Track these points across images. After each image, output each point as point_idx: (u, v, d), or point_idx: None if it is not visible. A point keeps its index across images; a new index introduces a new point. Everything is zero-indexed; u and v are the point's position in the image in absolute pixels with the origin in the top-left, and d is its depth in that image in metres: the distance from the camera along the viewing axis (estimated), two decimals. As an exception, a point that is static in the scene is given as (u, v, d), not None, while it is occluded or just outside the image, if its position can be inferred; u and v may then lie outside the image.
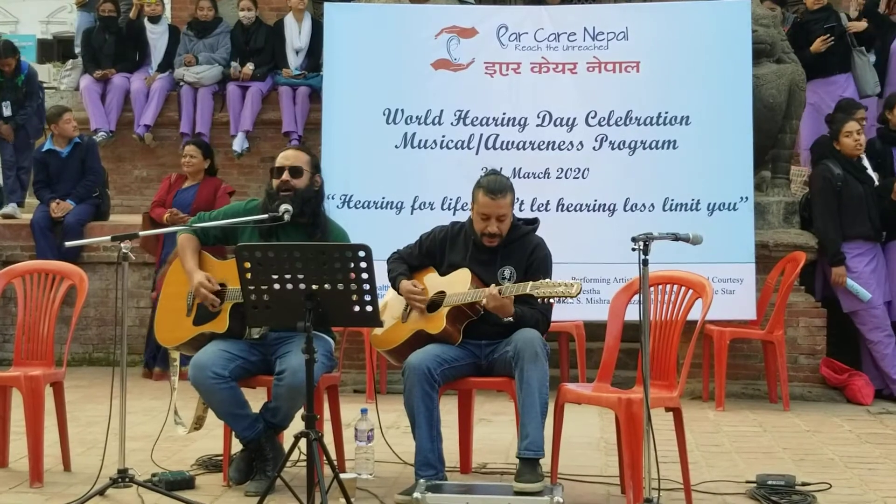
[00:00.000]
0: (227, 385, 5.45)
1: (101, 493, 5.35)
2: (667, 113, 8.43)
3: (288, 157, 5.87)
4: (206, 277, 5.64)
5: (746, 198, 8.28)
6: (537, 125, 8.52)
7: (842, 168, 8.43)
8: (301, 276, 4.92)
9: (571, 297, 5.37)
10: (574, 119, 8.50)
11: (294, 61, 11.82)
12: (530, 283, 5.39)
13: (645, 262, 5.03)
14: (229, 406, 5.50)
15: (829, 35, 10.16)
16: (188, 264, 5.72)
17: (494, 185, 5.66)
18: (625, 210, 8.36)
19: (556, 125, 8.51)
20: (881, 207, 8.43)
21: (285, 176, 5.74)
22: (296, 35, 11.85)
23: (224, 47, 12.04)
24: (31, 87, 10.89)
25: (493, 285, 5.49)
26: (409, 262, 5.92)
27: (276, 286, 4.96)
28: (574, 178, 8.44)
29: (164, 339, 5.87)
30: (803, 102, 9.08)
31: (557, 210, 8.38)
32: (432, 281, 5.80)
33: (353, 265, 4.91)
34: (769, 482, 5.64)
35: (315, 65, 11.49)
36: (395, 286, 5.85)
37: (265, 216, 5.60)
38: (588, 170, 8.45)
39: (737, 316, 8.18)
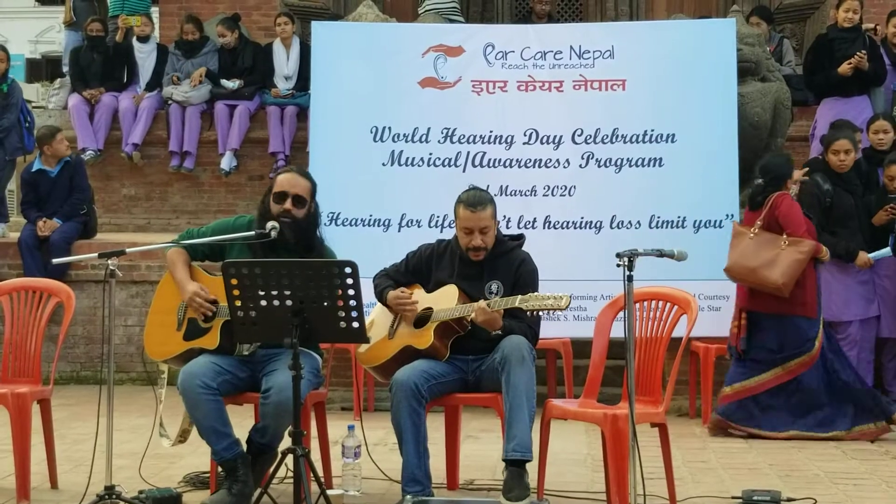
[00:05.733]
0: (214, 397, 5.42)
1: (88, 509, 5.36)
2: (653, 131, 8.47)
3: (293, 184, 5.66)
4: (200, 287, 5.62)
5: (732, 215, 8.31)
6: (524, 143, 8.56)
7: (831, 183, 8.47)
8: (288, 293, 4.95)
9: (560, 310, 5.40)
10: (560, 137, 8.54)
11: (283, 85, 11.86)
12: (519, 296, 5.42)
13: (629, 279, 5.04)
14: (213, 421, 5.43)
15: (860, 57, 10.07)
16: (179, 275, 5.69)
17: (473, 199, 5.71)
18: (611, 227, 8.40)
19: (542, 143, 8.54)
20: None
21: (288, 204, 5.63)
22: (284, 62, 11.90)
23: (212, 66, 12.07)
24: (12, 98, 10.80)
25: (482, 300, 5.51)
26: (395, 280, 5.94)
27: (263, 302, 4.98)
28: (560, 195, 8.48)
29: (154, 353, 5.84)
30: (788, 120, 9.14)
31: (544, 227, 8.42)
32: (419, 298, 5.82)
33: (339, 281, 4.93)
34: (755, 498, 5.66)
35: (304, 85, 11.52)
36: (383, 299, 5.86)
37: (252, 233, 5.59)
38: (574, 187, 8.49)
39: (723, 332, 8.16)
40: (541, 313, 5.48)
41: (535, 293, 5.46)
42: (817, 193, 8.44)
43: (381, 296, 5.88)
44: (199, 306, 5.59)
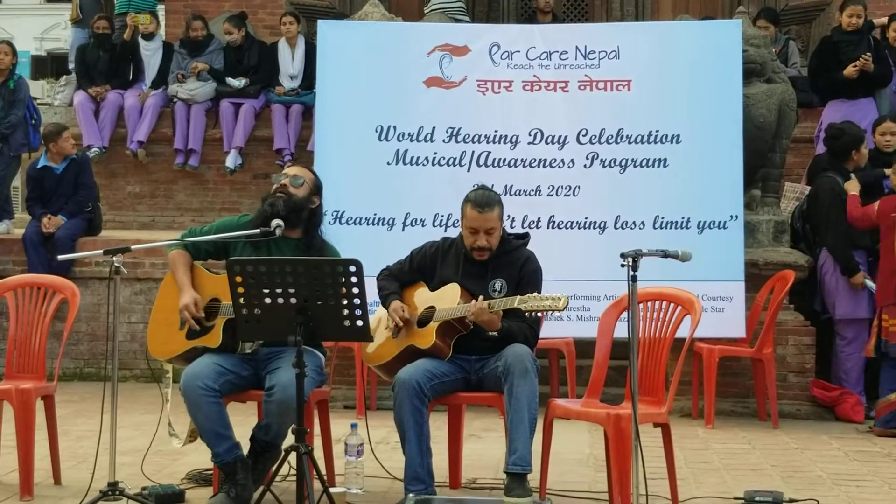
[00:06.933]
0: (215, 400, 5.43)
1: (91, 505, 5.37)
2: (657, 131, 8.46)
3: (293, 168, 6.04)
4: (194, 301, 5.60)
5: (736, 216, 8.31)
6: (529, 143, 8.55)
7: (845, 181, 8.48)
8: (292, 291, 4.95)
9: (558, 311, 5.40)
10: (565, 137, 8.53)
11: (288, 84, 11.88)
12: (518, 297, 5.43)
13: (634, 279, 5.06)
14: (214, 423, 5.43)
15: (865, 59, 10.17)
16: (180, 280, 5.70)
17: (482, 199, 5.70)
18: (615, 228, 8.39)
19: (547, 143, 8.53)
20: None
21: (285, 181, 5.77)
22: (289, 61, 11.93)
23: (217, 64, 12.09)
24: (18, 95, 10.81)
25: (479, 298, 5.51)
26: (399, 279, 5.94)
27: (268, 300, 4.99)
28: (565, 195, 8.47)
29: (157, 352, 5.85)
30: (793, 122, 9.12)
31: (548, 227, 8.41)
32: (422, 296, 5.83)
33: (343, 280, 4.95)
34: (757, 498, 5.68)
35: (309, 84, 11.53)
36: (386, 305, 5.87)
37: (257, 231, 5.60)
38: (579, 187, 8.48)
39: (726, 334, 8.21)
40: (540, 313, 5.49)
41: (534, 294, 5.45)
42: (838, 190, 8.45)
43: (385, 300, 5.88)
44: (186, 320, 5.60)
